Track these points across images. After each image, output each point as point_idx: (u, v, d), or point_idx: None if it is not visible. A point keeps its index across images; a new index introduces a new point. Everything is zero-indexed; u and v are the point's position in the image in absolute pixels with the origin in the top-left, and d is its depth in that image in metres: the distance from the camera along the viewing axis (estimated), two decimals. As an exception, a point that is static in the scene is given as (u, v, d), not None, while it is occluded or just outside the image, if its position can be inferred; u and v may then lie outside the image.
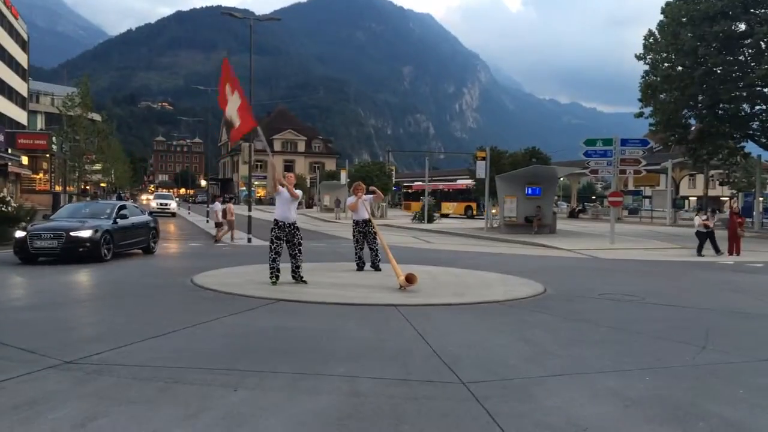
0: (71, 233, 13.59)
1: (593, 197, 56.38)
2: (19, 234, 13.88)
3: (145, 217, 17.30)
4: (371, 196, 12.59)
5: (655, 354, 6.27)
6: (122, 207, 16.14)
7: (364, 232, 12.28)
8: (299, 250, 10.40)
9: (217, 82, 11.86)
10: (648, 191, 56.67)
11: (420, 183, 51.47)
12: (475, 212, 46.02)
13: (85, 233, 13.72)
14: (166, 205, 44.41)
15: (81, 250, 13.52)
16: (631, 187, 54.57)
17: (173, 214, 43.69)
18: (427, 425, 4.16)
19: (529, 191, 27.60)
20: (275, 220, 10.37)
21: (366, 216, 12.19)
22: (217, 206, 23.10)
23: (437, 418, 4.30)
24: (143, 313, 8.11)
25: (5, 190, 36.71)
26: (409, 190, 56.16)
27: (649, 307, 9.26)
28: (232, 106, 10.97)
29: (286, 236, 10.29)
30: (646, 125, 38.30)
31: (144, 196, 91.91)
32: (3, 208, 17.88)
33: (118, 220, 15.13)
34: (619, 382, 5.21)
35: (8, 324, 7.32)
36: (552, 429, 4.10)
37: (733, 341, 7.03)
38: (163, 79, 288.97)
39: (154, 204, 43.85)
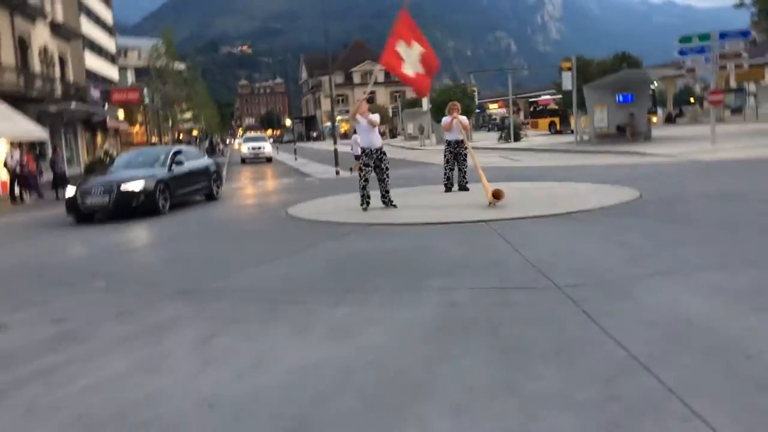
0: (122, 186, 12.43)
1: (691, 100, 52.66)
2: (70, 191, 12.88)
3: (205, 161, 16.15)
4: (465, 117, 12.45)
5: (762, 249, 6.03)
6: (177, 152, 14.67)
7: (455, 152, 12.22)
8: (387, 175, 10.53)
9: (387, 35, 10.91)
10: (752, 87, 52.71)
11: (547, 97, 47.26)
12: (559, 128, 42.18)
13: (138, 185, 12.49)
14: (259, 148, 37.39)
15: (134, 203, 12.39)
16: (733, 85, 50.92)
17: (269, 159, 36.94)
18: (524, 328, 4.23)
19: (620, 98, 26.36)
20: (362, 148, 10.51)
21: (460, 136, 12.10)
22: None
23: (533, 320, 4.37)
24: (245, 245, 8.56)
25: (106, 144, 38.85)
26: (536, 108, 51.29)
27: (755, 203, 8.82)
28: (413, 57, 10.44)
29: (374, 162, 10.42)
30: (746, 18, 35.31)
31: (236, 141, 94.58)
32: (107, 160, 18.96)
33: (173, 167, 13.85)
34: (725, 278, 5.07)
35: (127, 262, 7.91)
36: (653, 324, 4.07)
37: None
38: (240, 22, 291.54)
39: (244, 149, 38.31)
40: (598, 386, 3.20)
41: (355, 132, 13.06)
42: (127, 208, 12.35)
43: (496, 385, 3.34)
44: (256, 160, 36.78)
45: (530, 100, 54.93)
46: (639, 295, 4.76)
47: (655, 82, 34.14)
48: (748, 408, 2.86)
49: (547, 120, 44.43)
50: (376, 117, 10.57)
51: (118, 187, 12.41)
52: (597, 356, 3.61)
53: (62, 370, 4.06)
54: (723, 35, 21.16)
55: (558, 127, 42.61)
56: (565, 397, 3.10)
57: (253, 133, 60.91)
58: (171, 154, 14.35)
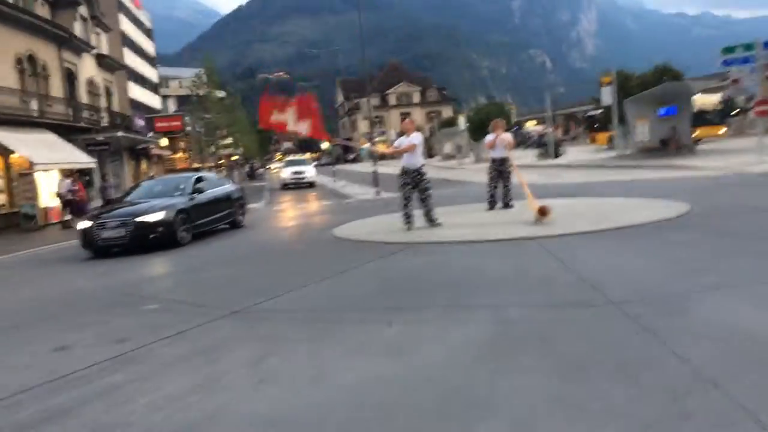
0: (139, 218, 11.54)
1: (735, 112, 51.57)
2: (83, 224, 12.06)
3: (228, 188, 15.04)
4: (509, 134, 12.44)
5: (824, 261, 5.85)
6: (198, 179, 13.85)
7: (499, 170, 12.18)
8: (428, 195, 10.54)
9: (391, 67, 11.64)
10: (799, 97, 51.55)
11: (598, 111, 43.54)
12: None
13: (156, 216, 11.63)
14: (301, 174, 34.02)
15: (153, 236, 11.52)
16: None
17: (311, 185, 33.61)
18: (581, 344, 4.18)
19: (663, 111, 25.96)
20: (402, 167, 10.56)
21: (504, 154, 12.07)
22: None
23: (590, 337, 4.30)
24: (293, 266, 8.65)
25: (152, 171, 39.81)
26: (594, 124, 48.05)
27: (812, 216, 8.57)
28: (292, 122, 11.03)
29: (413, 181, 10.45)
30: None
31: (273, 165, 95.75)
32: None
33: (194, 195, 13.00)
34: (784, 291, 4.93)
35: (174, 285, 8.06)
36: (713, 340, 3.98)
37: None
38: (276, 49, 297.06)
39: (286, 174, 34.68)
40: (666, 403, 3.14)
41: (460, 149, 12.78)
42: (146, 241, 11.49)
43: (558, 403, 3.29)
44: (298, 185, 33.80)
45: (588, 114, 50.37)
46: (696, 309, 4.67)
47: (698, 93, 33.44)
48: (825, 423, 2.78)
49: (606, 134, 42.24)
50: (417, 137, 10.61)
51: (135, 219, 11.54)
52: (662, 373, 3.54)
53: (124, 389, 4.15)
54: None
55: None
56: (633, 416, 3.05)
57: (294, 156, 57.24)
58: (192, 181, 13.59)
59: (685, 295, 5.06)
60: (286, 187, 33.89)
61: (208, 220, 13.35)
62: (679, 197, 11.36)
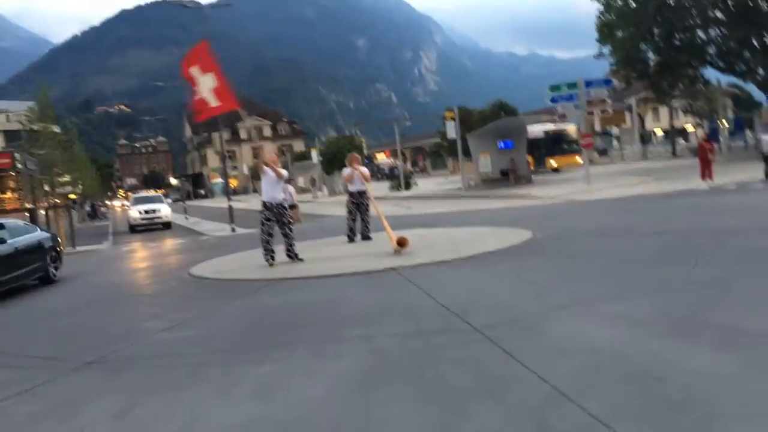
0: None
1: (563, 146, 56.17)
2: None
3: (36, 235, 12.49)
4: (366, 168, 12.69)
5: (652, 277, 6.57)
6: None
7: (358, 203, 12.38)
8: (290, 229, 10.52)
9: (184, 61, 11.77)
10: (615, 130, 57.34)
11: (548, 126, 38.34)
12: (533, 167, 35.14)
13: None
14: (154, 212, 28.39)
15: None
16: (598, 129, 55.14)
17: (167, 225, 28.34)
18: (448, 369, 4.36)
19: (502, 145, 27.89)
20: (263, 202, 10.46)
21: (362, 187, 12.26)
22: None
23: (457, 362, 4.51)
24: (151, 310, 8.22)
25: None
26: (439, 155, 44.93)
27: (638, 236, 9.60)
28: (204, 86, 10.98)
29: (275, 216, 10.40)
30: (603, 66, 38.69)
31: (116, 203, 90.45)
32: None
33: None
34: (623, 307, 5.47)
35: (15, 336, 7.38)
36: (567, 355, 4.34)
37: (720, 257, 7.36)
38: (116, 81, 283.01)
39: (134, 213, 28.67)
40: (529, 421, 3.37)
41: (314, 182, 12.50)
42: None
43: (434, 428, 3.42)
44: (151, 226, 28.14)
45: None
46: (551, 329, 5.05)
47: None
48: (668, 427, 3.12)
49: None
50: (284, 171, 10.62)
51: None
52: (523, 392, 3.79)
53: (-32, 459, 3.74)
54: (589, 84, 23.04)
55: (531, 167, 37.07)
56: (504, 433, 3.24)
57: (144, 193, 45.36)
58: None
59: (540, 316, 5.45)
60: (134, 230, 27.98)
61: (9, 278, 10.83)
62: (522, 224, 12.23)
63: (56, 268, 12.80)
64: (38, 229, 13.54)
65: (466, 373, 4.24)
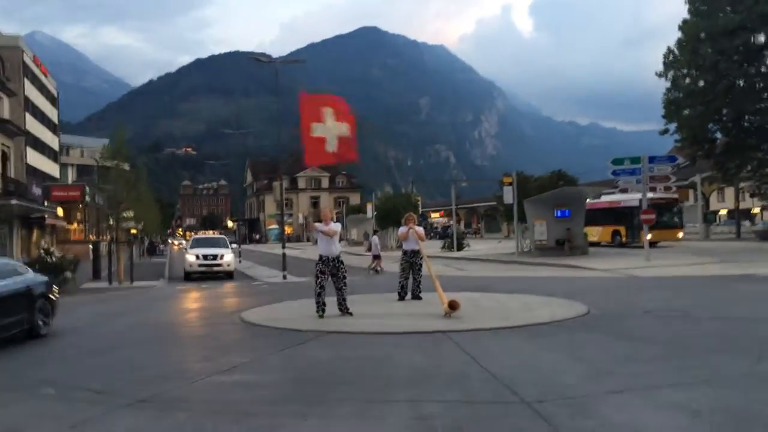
0: None
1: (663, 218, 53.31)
2: None
3: (22, 280, 10.21)
4: (421, 228, 12.78)
5: (712, 366, 6.32)
6: None
7: (411, 262, 12.42)
8: (344, 284, 10.60)
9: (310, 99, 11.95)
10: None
11: (610, 199, 33.94)
12: (624, 239, 34.05)
13: None
14: (215, 258, 23.88)
15: None
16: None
17: (228, 275, 24.05)
18: (498, 443, 4.28)
19: (558, 213, 27.59)
20: (319, 255, 10.60)
21: (416, 246, 12.31)
22: (375, 239, 24.56)
23: (506, 436, 4.43)
24: (202, 351, 8.35)
25: (43, 241, 37.66)
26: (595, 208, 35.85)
27: (697, 321, 9.28)
28: (331, 129, 11.19)
29: (331, 270, 10.51)
30: (666, 142, 38.17)
31: (175, 241, 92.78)
32: (48, 259, 18.41)
33: None
34: (681, 395, 5.27)
35: (71, 369, 7.58)
36: (621, 441, 4.20)
37: (787, 350, 7.04)
38: (185, 125, 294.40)
39: (191, 257, 24.12)
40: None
41: (367, 236, 12.57)
42: None
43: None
44: (211, 273, 23.67)
45: (588, 201, 33.38)
46: (604, 412, 4.90)
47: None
48: None
49: (610, 229, 35.04)
50: (336, 226, 10.78)
51: None
52: (575, 473, 3.67)
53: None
54: (652, 159, 22.74)
55: (623, 239, 34.24)
56: None
57: (204, 234, 37.53)
58: None
59: (593, 398, 5.30)
60: (190, 277, 23.90)
61: None
62: (576, 297, 11.97)
63: (46, 322, 10.36)
64: (30, 271, 11.13)
65: (514, 449, 4.14)
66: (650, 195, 33.04)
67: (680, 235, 33.76)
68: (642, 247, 29.66)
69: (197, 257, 23.79)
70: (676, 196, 33.89)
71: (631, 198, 30.72)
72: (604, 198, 34.38)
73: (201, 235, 35.04)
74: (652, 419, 4.68)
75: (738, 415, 4.69)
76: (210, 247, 24.65)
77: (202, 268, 23.61)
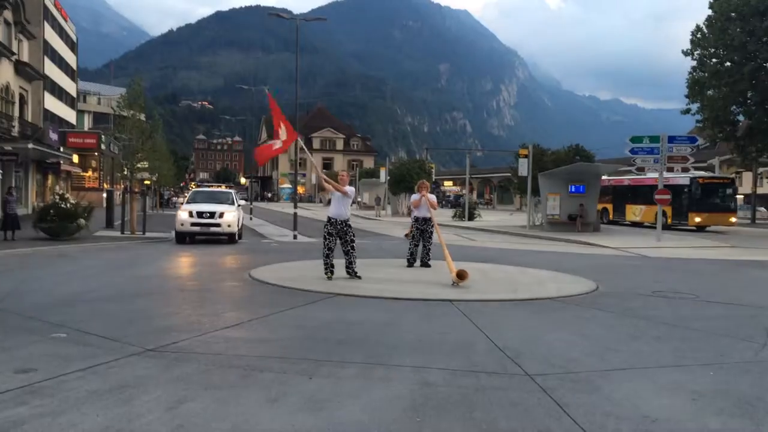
0: None
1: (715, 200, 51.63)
2: None
3: None
4: (434, 196, 12.80)
5: (716, 350, 6.34)
6: None
7: (422, 229, 12.47)
8: (352, 247, 10.66)
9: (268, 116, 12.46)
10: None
11: (657, 175, 25.08)
12: (670, 220, 31.08)
13: None
14: (212, 216, 19.36)
15: None
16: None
17: (230, 238, 19.71)
18: (498, 413, 4.34)
19: (573, 189, 27.45)
20: (328, 217, 10.66)
21: (427, 214, 12.37)
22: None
23: (507, 407, 4.48)
24: (210, 306, 8.46)
25: (58, 186, 37.98)
26: (638, 185, 34.29)
27: (705, 304, 9.28)
28: (279, 137, 11.47)
29: (338, 233, 10.57)
30: (688, 121, 37.64)
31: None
32: (62, 205, 18.56)
33: None
34: (683, 377, 5.31)
35: (83, 314, 7.71)
36: (621, 419, 4.24)
37: (793, 339, 7.04)
38: (203, 78, 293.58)
39: (184, 214, 19.58)
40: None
41: (379, 200, 12.43)
42: None
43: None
44: (207, 234, 19.69)
45: (631, 177, 33.88)
46: (606, 389, 4.94)
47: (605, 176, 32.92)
48: None
49: (655, 208, 25.69)
50: (351, 189, 10.79)
51: None
52: (573, 447, 3.72)
53: (33, 423, 3.94)
54: (672, 139, 22.48)
55: (669, 219, 30.88)
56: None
57: (209, 186, 31.59)
58: None
59: (596, 374, 5.35)
60: (183, 239, 19.62)
61: None
62: (585, 273, 12.00)
63: None
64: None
65: (515, 421, 4.20)
66: (702, 174, 31.94)
67: (733, 219, 31.37)
68: (690, 229, 28.94)
69: (190, 214, 19.33)
70: (731, 176, 33.06)
71: (681, 176, 28.93)
72: (651, 174, 28.71)
73: (204, 187, 29.04)
74: (653, 398, 4.73)
75: (740, 400, 4.71)
76: (209, 202, 20.24)
77: (196, 228, 19.31)
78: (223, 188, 28.52)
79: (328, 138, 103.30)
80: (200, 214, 19.25)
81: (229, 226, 19.36)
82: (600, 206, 34.26)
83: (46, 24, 46.11)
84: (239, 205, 21.47)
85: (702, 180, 30.96)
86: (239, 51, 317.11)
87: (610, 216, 35.74)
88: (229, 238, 19.65)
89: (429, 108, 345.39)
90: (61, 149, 39.04)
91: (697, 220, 28.61)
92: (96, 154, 48.33)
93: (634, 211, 34.28)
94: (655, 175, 27.10)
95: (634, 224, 32.87)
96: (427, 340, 6.52)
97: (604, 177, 33.97)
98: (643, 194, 32.52)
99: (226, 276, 11.52)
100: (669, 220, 30.80)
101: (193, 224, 19.22)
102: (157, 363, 5.44)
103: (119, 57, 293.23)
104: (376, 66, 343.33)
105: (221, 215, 19.26)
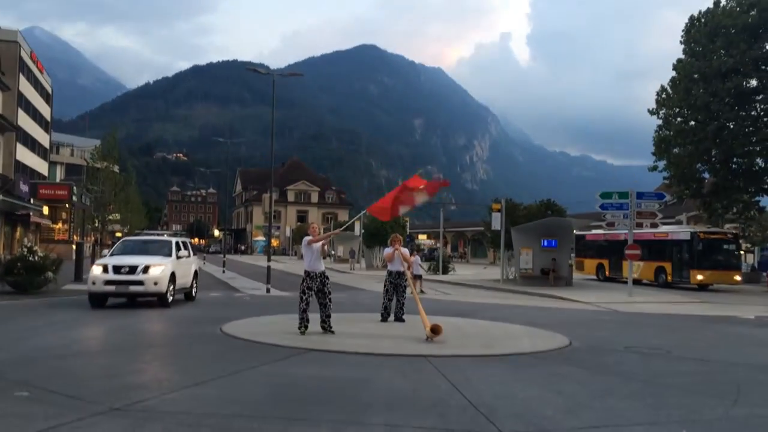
0: None
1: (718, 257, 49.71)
2: None
3: None
4: (407, 250, 12.84)
5: (688, 407, 6.36)
6: None
7: (396, 283, 12.45)
8: (329, 300, 10.60)
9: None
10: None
11: (655, 230, 29.00)
12: (670, 278, 29.34)
13: None
14: (133, 271, 14.67)
15: None
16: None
17: (161, 300, 15.15)
18: (473, 474, 4.28)
19: (545, 243, 27.70)
20: (306, 271, 10.60)
21: (401, 268, 12.37)
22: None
23: (482, 467, 4.42)
24: (180, 362, 8.28)
25: (26, 239, 37.30)
26: (587, 240, 36.12)
27: (676, 360, 9.33)
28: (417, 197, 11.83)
29: (317, 286, 10.51)
30: (656, 177, 38.51)
31: None
32: (30, 258, 18.21)
33: None
34: (657, 434, 5.30)
35: (45, 371, 7.49)
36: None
37: (762, 396, 7.10)
38: (179, 130, 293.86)
39: (97, 269, 14.89)
40: None
41: (353, 253, 12.10)
42: None
43: None
44: (124, 297, 15.61)
45: (576, 233, 33.67)
46: (580, 446, 4.91)
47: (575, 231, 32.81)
48: None
49: (654, 265, 30.15)
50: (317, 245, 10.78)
51: None
52: None
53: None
54: (640, 195, 22.96)
55: (669, 277, 29.50)
56: None
57: (147, 235, 28.96)
58: None
59: (569, 431, 5.32)
60: (96, 301, 15.04)
61: None
62: (558, 328, 12.03)
63: None
64: None
65: (489, 481, 4.14)
66: (705, 229, 30.04)
67: (737, 277, 28.68)
68: (691, 288, 27.05)
69: (104, 269, 14.79)
70: (734, 231, 31.43)
71: (681, 230, 28.22)
72: (648, 229, 28.00)
73: (136, 236, 23.95)
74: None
75: (712, 459, 4.72)
76: (137, 254, 15.78)
77: (110, 288, 14.74)
78: (165, 236, 22.31)
79: (303, 191, 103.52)
80: (117, 269, 14.68)
81: (155, 284, 14.79)
82: (595, 262, 34.78)
83: (21, 76, 46.11)
84: (187, 257, 17.15)
85: (703, 235, 29.04)
86: (216, 104, 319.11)
87: (607, 272, 33.84)
88: (159, 300, 15.23)
89: (404, 161, 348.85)
90: (32, 201, 38.59)
91: (700, 278, 26.42)
92: (67, 205, 47.80)
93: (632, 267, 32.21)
94: (654, 229, 27.24)
95: (635, 282, 31.15)
96: (401, 397, 6.44)
97: (599, 231, 33.76)
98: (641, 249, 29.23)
99: (195, 330, 11.30)
100: (669, 278, 29.34)
101: (107, 282, 14.61)
102: (122, 422, 5.29)
103: (95, 108, 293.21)
104: (351, 120, 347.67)
105: (146, 270, 14.72)
